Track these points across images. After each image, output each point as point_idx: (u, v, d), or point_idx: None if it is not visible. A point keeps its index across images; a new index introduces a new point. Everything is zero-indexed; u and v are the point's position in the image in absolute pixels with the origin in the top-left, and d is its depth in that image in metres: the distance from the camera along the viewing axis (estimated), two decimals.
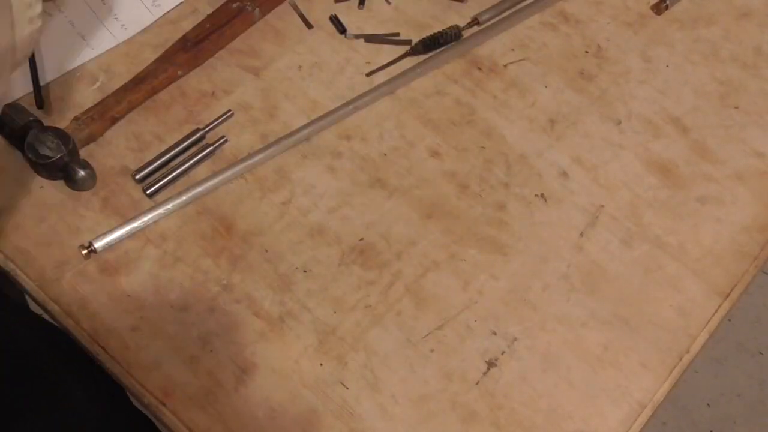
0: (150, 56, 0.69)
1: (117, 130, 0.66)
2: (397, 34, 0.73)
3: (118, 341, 0.58)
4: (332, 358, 0.58)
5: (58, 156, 0.61)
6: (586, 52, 0.73)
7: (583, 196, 0.66)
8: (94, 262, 0.61)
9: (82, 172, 0.62)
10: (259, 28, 0.72)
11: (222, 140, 0.66)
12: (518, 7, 0.75)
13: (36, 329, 0.68)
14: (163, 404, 0.56)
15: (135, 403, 0.67)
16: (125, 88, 0.67)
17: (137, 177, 0.64)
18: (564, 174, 0.67)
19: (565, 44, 0.73)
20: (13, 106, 0.64)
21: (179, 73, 0.68)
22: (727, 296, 0.62)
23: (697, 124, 0.70)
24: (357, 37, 0.72)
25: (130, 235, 0.61)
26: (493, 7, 0.74)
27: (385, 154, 0.67)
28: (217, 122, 0.66)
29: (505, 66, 0.72)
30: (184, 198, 0.63)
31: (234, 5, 0.71)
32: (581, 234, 0.64)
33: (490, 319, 0.60)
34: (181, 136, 0.66)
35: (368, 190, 0.65)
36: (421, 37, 0.72)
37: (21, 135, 0.62)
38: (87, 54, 0.69)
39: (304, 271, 0.61)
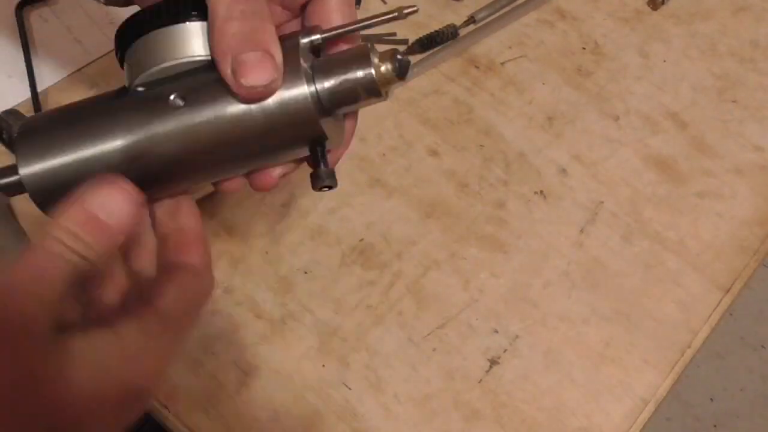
0: None
1: None
2: (394, 34, 0.73)
3: None
4: (334, 359, 0.58)
5: None
6: (584, 48, 0.73)
7: (582, 192, 0.66)
8: None
9: None
10: None
11: None
12: (514, 4, 0.75)
13: None
14: (166, 408, 0.56)
15: None
16: None
17: None
18: (563, 171, 0.67)
19: (562, 41, 0.73)
20: (11, 113, 0.63)
21: None
22: (728, 290, 0.62)
23: (696, 119, 0.70)
24: None
25: None
26: (490, 5, 0.74)
27: (383, 154, 0.67)
28: None
29: (502, 64, 0.72)
30: None
31: None
32: (581, 231, 0.64)
33: (491, 318, 0.60)
34: None
35: (367, 190, 0.65)
36: (417, 37, 0.72)
37: None
38: (84, 59, 0.69)
39: (305, 273, 0.61)
